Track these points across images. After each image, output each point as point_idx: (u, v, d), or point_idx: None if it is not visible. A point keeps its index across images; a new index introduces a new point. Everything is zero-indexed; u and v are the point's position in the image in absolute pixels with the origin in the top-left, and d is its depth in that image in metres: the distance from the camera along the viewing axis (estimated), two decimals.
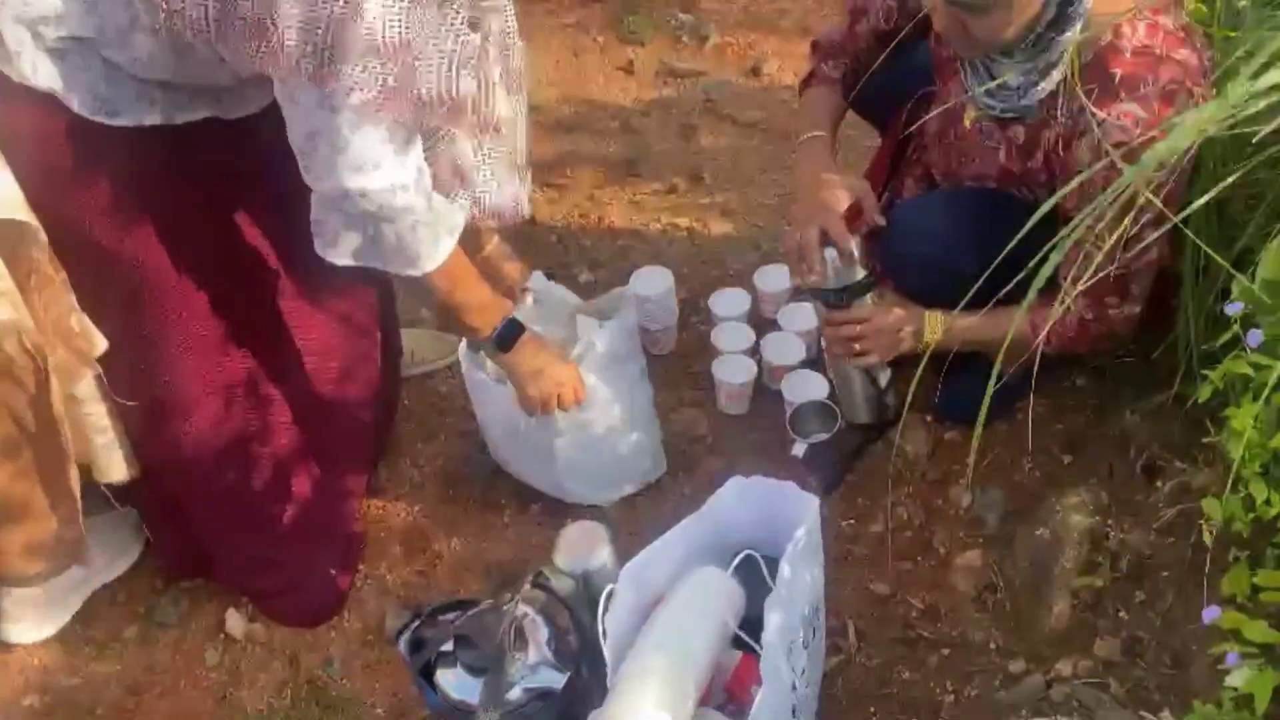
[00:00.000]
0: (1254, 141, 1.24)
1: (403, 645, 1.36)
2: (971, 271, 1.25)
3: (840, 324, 1.67)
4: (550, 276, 1.81)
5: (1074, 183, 1.21)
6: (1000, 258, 1.18)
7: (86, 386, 1.51)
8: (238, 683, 1.71)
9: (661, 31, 2.75)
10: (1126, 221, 1.33)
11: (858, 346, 1.67)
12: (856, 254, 1.62)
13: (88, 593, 1.80)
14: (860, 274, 1.64)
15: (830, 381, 1.85)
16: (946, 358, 1.69)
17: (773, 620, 1.25)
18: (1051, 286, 1.56)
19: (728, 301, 2.04)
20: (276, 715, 1.65)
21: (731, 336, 1.98)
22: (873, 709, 1.55)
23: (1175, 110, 1.41)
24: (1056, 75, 1.49)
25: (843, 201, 1.64)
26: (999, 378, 1.77)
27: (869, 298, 1.67)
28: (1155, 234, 1.41)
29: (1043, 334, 1.57)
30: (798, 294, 2.00)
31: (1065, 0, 1.44)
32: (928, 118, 1.70)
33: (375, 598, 1.79)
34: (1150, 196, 1.22)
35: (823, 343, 1.82)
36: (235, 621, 1.76)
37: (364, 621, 1.77)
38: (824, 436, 1.80)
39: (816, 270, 1.64)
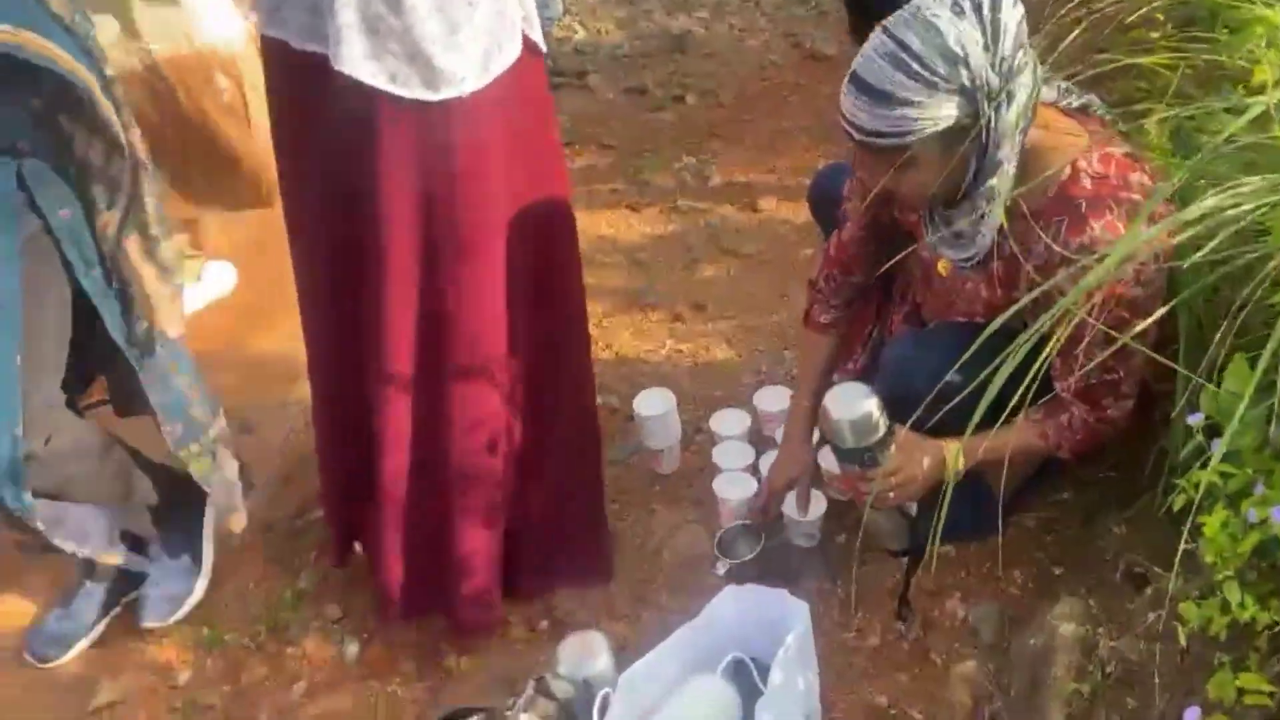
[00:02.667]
0: (1186, 264, 1.34)
1: None
2: (965, 400, 1.32)
3: (870, 481, 1.65)
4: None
5: (1029, 296, 1.30)
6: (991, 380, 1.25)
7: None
8: None
9: (667, 173, 2.94)
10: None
11: (891, 496, 1.69)
12: (875, 417, 1.61)
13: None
14: (880, 433, 1.61)
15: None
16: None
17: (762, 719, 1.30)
18: (1054, 400, 1.65)
19: (729, 421, 2.14)
20: None
21: (732, 454, 2.07)
22: None
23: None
24: (994, 220, 1.57)
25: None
26: (991, 492, 1.85)
27: (891, 448, 1.65)
28: (1136, 343, 1.50)
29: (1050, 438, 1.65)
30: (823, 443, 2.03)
31: (981, 154, 1.52)
32: (897, 258, 1.79)
33: (387, 713, 1.83)
34: (1085, 315, 1.31)
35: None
36: None
37: None
38: (748, 557, 1.88)
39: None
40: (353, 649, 1.91)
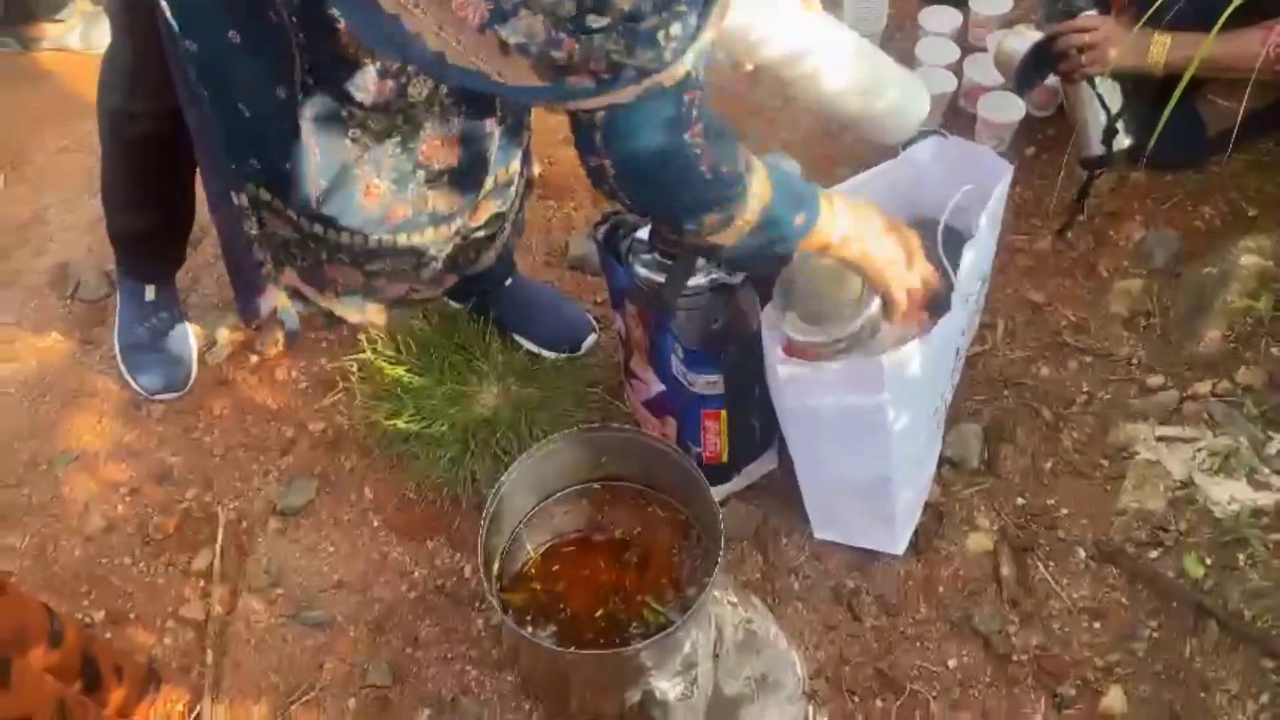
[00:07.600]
0: None
1: (600, 233, 1.49)
2: None
3: (1067, 31, 1.67)
4: None
5: None
6: None
7: None
8: None
9: None
10: None
11: (1084, 58, 1.67)
12: None
13: None
14: None
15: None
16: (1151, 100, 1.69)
17: (967, 257, 1.33)
18: None
19: (939, 17, 2.05)
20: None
21: (936, 51, 2.00)
22: (1007, 393, 1.65)
23: None
24: None
25: None
26: (1202, 123, 1.77)
27: (1095, 11, 1.68)
28: None
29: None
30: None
31: None
32: None
33: (560, 230, 1.94)
34: None
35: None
36: None
37: (550, 247, 1.93)
38: None
39: None
40: None
